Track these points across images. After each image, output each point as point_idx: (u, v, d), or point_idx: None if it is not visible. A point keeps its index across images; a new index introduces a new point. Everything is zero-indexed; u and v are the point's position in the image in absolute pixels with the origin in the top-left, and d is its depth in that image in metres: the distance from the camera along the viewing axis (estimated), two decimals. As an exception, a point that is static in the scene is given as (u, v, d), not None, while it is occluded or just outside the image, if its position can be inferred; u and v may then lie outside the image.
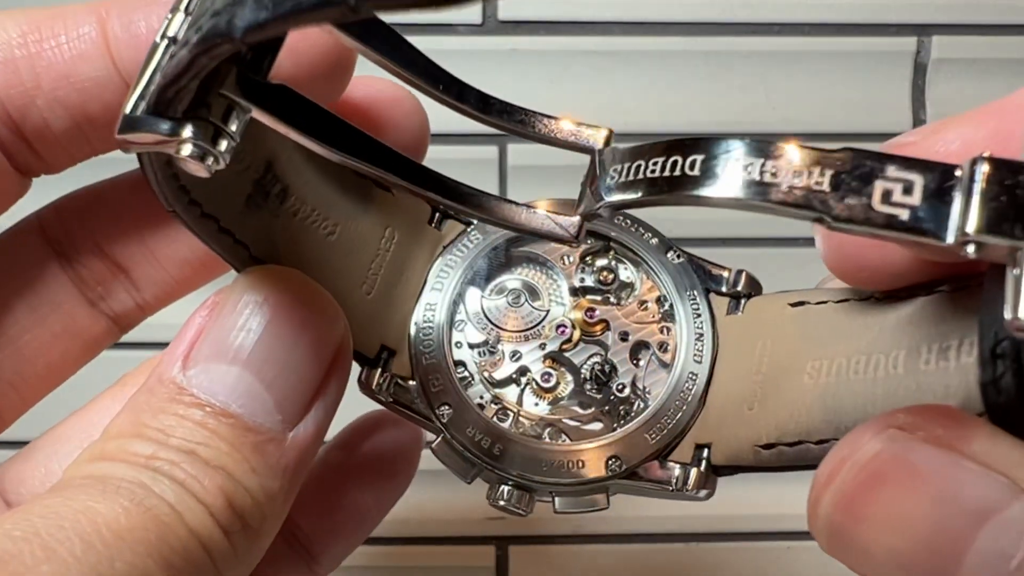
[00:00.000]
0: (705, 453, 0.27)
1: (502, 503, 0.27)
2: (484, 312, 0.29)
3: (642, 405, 0.28)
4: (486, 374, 0.28)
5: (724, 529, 0.47)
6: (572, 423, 0.28)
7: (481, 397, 0.28)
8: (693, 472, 0.27)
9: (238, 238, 0.23)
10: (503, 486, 0.27)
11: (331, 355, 0.23)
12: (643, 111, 0.46)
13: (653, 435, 0.27)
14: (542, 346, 0.28)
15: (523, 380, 0.28)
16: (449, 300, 0.28)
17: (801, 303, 0.27)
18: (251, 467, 0.21)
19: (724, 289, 0.29)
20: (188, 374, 0.21)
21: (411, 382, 0.27)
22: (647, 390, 0.28)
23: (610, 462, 0.27)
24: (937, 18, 0.45)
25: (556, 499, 0.27)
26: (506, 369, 0.28)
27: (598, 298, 0.29)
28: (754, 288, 0.29)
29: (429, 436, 0.28)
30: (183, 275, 0.28)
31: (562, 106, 0.45)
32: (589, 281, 0.29)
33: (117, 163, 0.27)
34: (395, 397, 0.27)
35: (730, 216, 0.46)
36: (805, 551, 0.47)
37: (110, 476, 0.20)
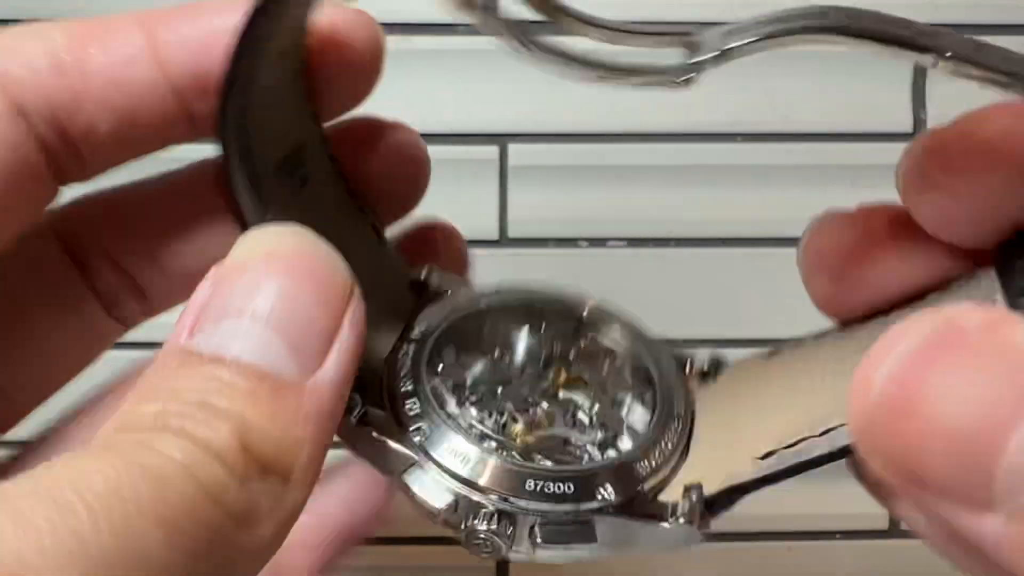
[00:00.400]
0: (695, 495, 0.25)
1: (482, 531, 0.24)
2: (464, 365, 0.28)
3: (627, 444, 0.27)
4: (465, 407, 0.28)
5: (724, 529, 0.47)
6: (553, 458, 0.27)
7: (459, 424, 0.26)
8: (685, 508, 0.25)
9: (262, 196, 0.23)
10: (481, 511, 0.24)
11: (341, 300, 0.22)
12: (643, 111, 0.46)
13: (642, 469, 0.26)
14: (523, 390, 0.28)
15: (503, 417, 0.28)
16: (430, 346, 0.27)
17: (777, 352, 0.27)
18: (270, 414, 0.20)
19: (690, 370, 0.29)
20: (196, 339, 0.21)
21: (385, 412, 0.26)
22: (631, 427, 0.28)
23: (599, 491, 0.25)
24: (938, 18, 0.45)
25: (539, 529, 0.25)
26: (486, 406, 0.28)
27: (578, 361, 0.29)
28: (723, 364, 0.29)
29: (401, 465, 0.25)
30: (188, 285, 0.28)
31: (563, 105, 0.45)
32: (570, 350, 0.29)
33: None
34: (369, 423, 0.25)
35: (729, 216, 0.46)
36: (805, 551, 0.47)
37: (110, 440, 0.19)
